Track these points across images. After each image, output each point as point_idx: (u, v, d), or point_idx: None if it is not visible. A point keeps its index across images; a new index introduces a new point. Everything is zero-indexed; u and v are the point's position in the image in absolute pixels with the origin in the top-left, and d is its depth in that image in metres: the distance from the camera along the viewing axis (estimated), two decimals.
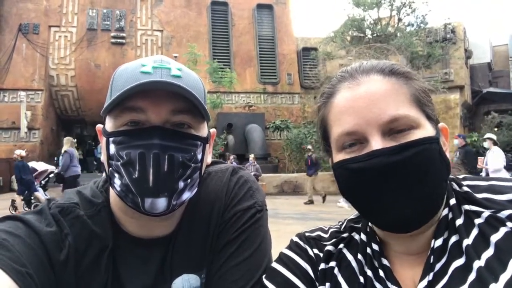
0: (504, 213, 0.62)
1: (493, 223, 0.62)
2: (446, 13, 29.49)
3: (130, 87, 0.67)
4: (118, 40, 18.16)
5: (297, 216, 9.07)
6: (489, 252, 0.59)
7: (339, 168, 0.68)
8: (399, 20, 17.23)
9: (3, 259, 0.60)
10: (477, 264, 0.58)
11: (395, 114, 0.63)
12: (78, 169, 9.20)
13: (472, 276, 0.58)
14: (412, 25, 17.41)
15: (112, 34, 18.16)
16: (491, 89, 20.67)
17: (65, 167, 8.84)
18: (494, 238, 0.60)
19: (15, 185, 14.71)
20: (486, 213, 0.63)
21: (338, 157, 0.69)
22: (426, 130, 0.64)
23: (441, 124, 0.71)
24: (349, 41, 17.43)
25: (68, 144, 9.22)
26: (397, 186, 0.61)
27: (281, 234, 5.55)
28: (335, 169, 0.70)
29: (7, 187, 14.19)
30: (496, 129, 17.93)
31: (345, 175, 0.67)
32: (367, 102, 0.65)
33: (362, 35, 17.35)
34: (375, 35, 16.98)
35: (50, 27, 17.74)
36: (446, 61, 18.64)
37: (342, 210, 8.83)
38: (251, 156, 13.50)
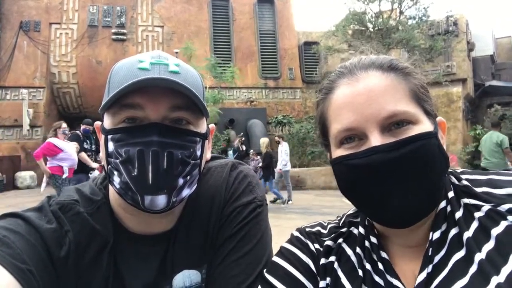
0: (504, 207, 0.62)
1: (494, 216, 0.61)
2: (448, 5, 29.18)
3: (128, 84, 0.67)
4: (119, 37, 18.06)
5: (299, 210, 9.07)
6: (490, 245, 0.59)
7: (338, 164, 0.68)
8: (401, 13, 17.07)
9: (3, 256, 0.60)
10: (478, 256, 0.58)
11: (394, 110, 0.63)
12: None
13: (473, 269, 0.58)
14: (414, 18, 17.23)
15: (113, 30, 18.07)
16: (494, 82, 20.49)
17: None
18: (495, 231, 0.60)
19: (18, 183, 14.81)
20: (486, 206, 0.63)
21: (336, 153, 0.69)
22: (424, 125, 0.64)
23: (438, 118, 0.70)
24: (351, 35, 17.31)
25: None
26: (396, 182, 0.61)
27: (283, 229, 5.56)
28: (334, 164, 0.70)
29: (10, 185, 14.25)
30: None
31: (344, 171, 0.67)
32: (366, 99, 0.64)
33: (363, 28, 17.22)
34: (376, 28, 16.84)
35: (51, 24, 17.66)
36: (448, 54, 18.47)
37: (344, 205, 8.80)
38: (251, 152, 13.54)
